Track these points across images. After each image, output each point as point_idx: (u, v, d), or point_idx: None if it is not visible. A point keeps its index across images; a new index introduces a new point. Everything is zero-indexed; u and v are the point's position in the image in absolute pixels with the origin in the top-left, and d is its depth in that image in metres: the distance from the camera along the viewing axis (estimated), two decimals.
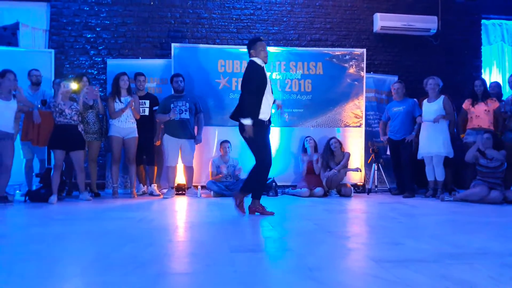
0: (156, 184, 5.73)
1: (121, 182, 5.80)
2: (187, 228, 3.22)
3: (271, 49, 6.30)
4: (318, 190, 5.57)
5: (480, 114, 5.37)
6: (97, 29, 6.56)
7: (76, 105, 4.91)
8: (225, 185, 5.56)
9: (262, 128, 3.67)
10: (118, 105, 5.31)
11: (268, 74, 3.74)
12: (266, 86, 3.64)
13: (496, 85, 6.04)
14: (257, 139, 3.64)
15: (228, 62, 6.13)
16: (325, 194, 5.67)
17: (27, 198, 4.86)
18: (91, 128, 5.35)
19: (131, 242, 2.55)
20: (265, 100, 3.64)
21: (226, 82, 6.11)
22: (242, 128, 3.64)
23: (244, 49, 6.34)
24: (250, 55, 3.76)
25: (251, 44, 3.75)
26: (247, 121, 3.57)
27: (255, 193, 3.73)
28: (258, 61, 3.71)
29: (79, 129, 4.97)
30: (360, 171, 6.10)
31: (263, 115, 3.64)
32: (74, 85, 4.91)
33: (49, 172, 4.98)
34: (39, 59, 5.96)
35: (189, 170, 5.54)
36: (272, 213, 3.68)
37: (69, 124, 4.82)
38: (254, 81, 3.62)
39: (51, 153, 5.34)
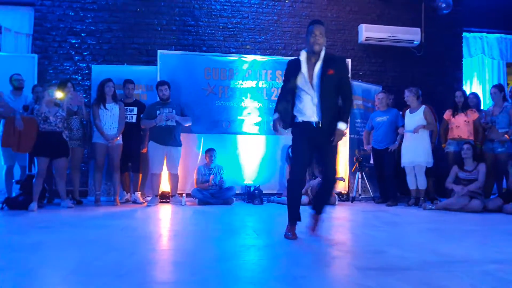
0: (139, 192, 5.66)
1: (104, 189, 5.70)
2: (171, 236, 3.19)
3: (257, 58, 6.35)
4: (303, 198, 5.57)
5: (460, 125, 5.50)
6: (82, 34, 6.49)
7: (61, 111, 4.84)
8: (210, 193, 5.53)
9: (296, 131, 3.06)
10: (103, 112, 5.25)
11: (305, 67, 2.96)
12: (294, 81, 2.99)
13: (474, 96, 6.16)
14: (292, 145, 3.16)
15: (215, 70, 6.13)
16: (310, 202, 5.68)
17: (4, 205, 4.74)
18: (74, 134, 5.29)
19: (113, 250, 2.51)
20: (299, 97, 3.01)
21: (213, 90, 6.10)
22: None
23: (231, 57, 6.49)
24: None
25: None
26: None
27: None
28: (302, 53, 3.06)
29: (64, 136, 4.90)
30: (344, 180, 6.15)
31: (299, 115, 3.01)
32: (59, 94, 4.84)
33: (30, 179, 4.87)
34: (21, 64, 5.86)
35: (174, 177, 5.49)
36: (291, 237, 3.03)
37: (53, 131, 4.75)
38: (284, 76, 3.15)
39: (32, 160, 5.25)
